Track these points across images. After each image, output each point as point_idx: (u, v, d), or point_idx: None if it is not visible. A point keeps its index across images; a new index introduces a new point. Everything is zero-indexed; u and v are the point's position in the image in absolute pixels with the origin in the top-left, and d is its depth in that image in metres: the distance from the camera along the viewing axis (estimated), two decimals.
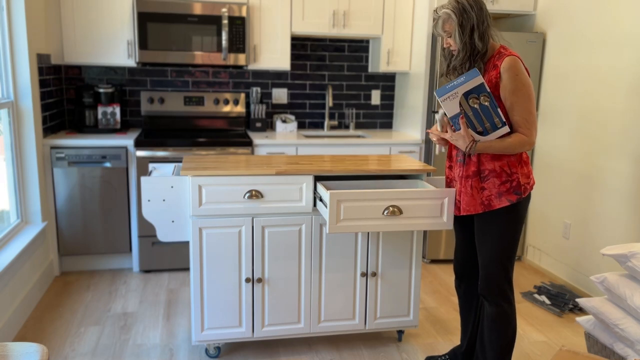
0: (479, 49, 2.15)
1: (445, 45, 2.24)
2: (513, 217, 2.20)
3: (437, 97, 2.14)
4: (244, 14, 3.84)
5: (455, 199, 2.34)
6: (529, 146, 2.14)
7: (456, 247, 2.50)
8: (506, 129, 2.14)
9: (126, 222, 3.74)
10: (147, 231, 3.72)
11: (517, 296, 3.54)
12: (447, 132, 2.25)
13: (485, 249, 2.25)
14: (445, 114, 2.21)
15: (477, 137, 2.17)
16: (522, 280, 3.81)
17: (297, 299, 2.68)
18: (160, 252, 3.77)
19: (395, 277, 2.76)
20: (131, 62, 3.83)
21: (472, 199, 2.23)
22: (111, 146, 3.62)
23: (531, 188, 2.22)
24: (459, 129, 2.17)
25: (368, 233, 2.68)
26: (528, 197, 2.23)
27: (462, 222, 2.43)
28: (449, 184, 2.41)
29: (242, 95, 4.29)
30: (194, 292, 2.57)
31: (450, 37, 2.19)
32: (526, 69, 2.15)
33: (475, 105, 2.13)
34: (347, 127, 4.64)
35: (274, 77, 4.42)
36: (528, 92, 2.11)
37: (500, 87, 2.13)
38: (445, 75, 2.33)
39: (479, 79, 2.09)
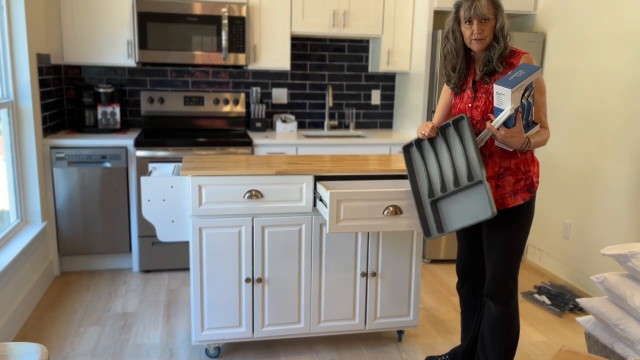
0: (508, 43, 2.12)
1: (477, 31, 2.08)
2: (524, 217, 2.20)
3: (503, 89, 1.95)
4: (244, 13, 3.84)
5: None
6: (549, 139, 2.16)
7: (459, 249, 2.49)
8: (537, 128, 2.11)
9: (126, 222, 3.74)
10: (147, 231, 3.72)
11: (518, 296, 3.54)
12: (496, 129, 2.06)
13: (496, 250, 2.23)
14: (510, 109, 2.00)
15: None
16: (522, 280, 3.81)
17: (297, 299, 2.68)
18: (160, 252, 3.77)
19: (395, 277, 2.76)
20: (131, 62, 3.83)
21: None
22: (111, 146, 3.62)
23: (537, 188, 2.23)
24: (512, 125, 1.99)
25: (368, 233, 2.68)
26: (535, 197, 2.23)
27: None
28: None
29: (242, 95, 4.29)
30: (194, 292, 2.57)
31: (486, 21, 2.07)
32: None
33: (525, 102, 2.02)
34: (347, 127, 4.64)
35: (274, 77, 4.42)
36: (543, 88, 2.13)
37: None
38: (452, 72, 2.21)
39: (538, 73, 1.98)
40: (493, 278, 2.25)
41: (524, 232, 2.21)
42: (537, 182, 2.21)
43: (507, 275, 2.23)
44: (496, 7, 2.09)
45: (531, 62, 2.10)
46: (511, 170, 2.16)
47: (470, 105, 2.19)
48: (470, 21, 2.09)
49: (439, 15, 4.24)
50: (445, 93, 2.35)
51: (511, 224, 2.19)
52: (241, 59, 3.90)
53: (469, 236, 2.41)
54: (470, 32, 2.10)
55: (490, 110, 2.12)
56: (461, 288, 2.52)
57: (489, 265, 2.26)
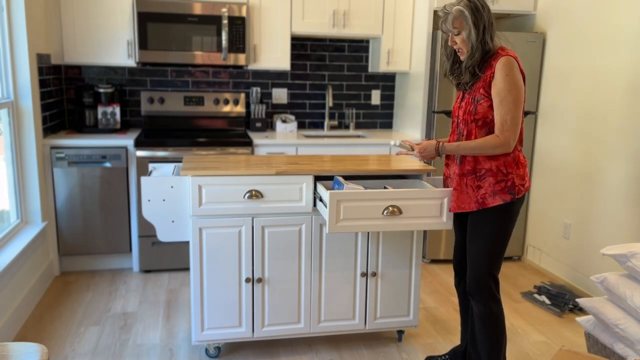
0: (490, 48, 2.16)
1: (450, 43, 2.23)
2: (505, 217, 2.22)
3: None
4: (244, 14, 3.84)
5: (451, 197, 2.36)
6: (502, 149, 2.15)
7: (455, 244, 2.52)
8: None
9: (126, 222, 3.74)
10: (147, 231, 3.72)
11: (517, 296, 3.54)
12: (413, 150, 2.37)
13: (475, 247, 2.27)
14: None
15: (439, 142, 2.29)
16: (522, 280, 3.81)
17: (297, 299, 2.68)
18: (160, 252, 3.77)
19: (395, 277, 2.76)
20: (131, 62, 3.83)
21: (468, 196, 2.26)
22: (111, 146, 3.62)
23: (525, 190, 2.24)
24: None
25: (368, 233, 2.68)
26: (522, 199, 2.25)
27: (460, 220, 2.45)
28: (445, 180, 2.44)
29: (242, 95, 4.29)
30: (194, 292, 2.57)
31: (458, 34, 2.18)
32: (522, 71, 2.16)
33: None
34: (347, 127, 4.64)
35: (274, 77, 4.42)
36: (515, 94, 2.11)
37: (492, 85, 2.15)
38: (447, 76, 2.34)
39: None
40: (472, 276, 2.29)
41: (503, 233, 2.23)
42: (523, 185, 2.22)
43: (485, 274, 2.25)
44: (466, 19, 2.15)
45: (508, 65, 2.12)
46: (492, 172, 2.20)
47: (458, 105, 2.34)
48: (447, 33, 2.23)
49: (438, 16, 4.24)
50: None
51: (491, 223, 2.23)
52: (241, 59, 3.90)
53: (464, 232, 2.45)
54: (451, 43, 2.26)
55: (468, 111, 2.23)
56: (458, 284, 2.54)
57: (469, 263, 2.30)
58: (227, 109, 4.28)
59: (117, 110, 3.96)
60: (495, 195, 2.20)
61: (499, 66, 2.12)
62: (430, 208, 2.35)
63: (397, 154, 2.44)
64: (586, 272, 3.58)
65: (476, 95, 2.20)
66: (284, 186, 2.54)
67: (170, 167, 2.90)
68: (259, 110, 4.28)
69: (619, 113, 3.29)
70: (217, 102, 4.24)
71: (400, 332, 2.92)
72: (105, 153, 3.61)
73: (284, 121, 4.31)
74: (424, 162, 2.36)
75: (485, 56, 2.17)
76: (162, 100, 4.14)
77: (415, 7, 4.13)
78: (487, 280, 2.25)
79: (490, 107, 2.17)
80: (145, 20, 3.71)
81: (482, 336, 2.29)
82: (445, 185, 2.43)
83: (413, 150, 2.35)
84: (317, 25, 4.05)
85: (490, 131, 2.21)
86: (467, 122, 2.24)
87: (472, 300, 2.31)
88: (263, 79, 4.40)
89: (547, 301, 3.40)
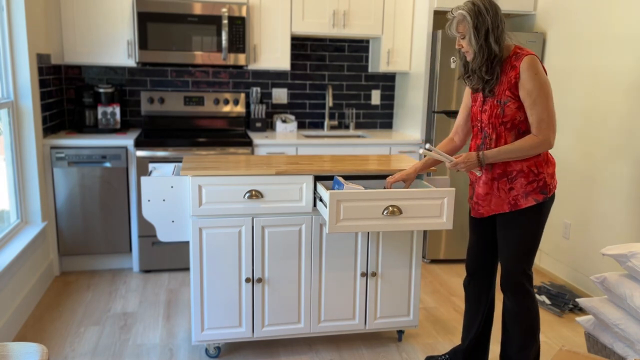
0: (496, 52, 2.16)
1: (457, 47, 2.26)
2: (537, 217, 2.23)
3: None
4: (244, 14, 3.84)
5: (479, 202, 2.34)
6: (543, 147, 2.15)
7: (470, 243, 2.50)
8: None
9: (126, 222, 3.74)
10: (147, 231, 3.72)
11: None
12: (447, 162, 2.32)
13: (507, 247, 2.28)
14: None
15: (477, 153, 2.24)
16: None
17: (297, 299, 2.68)
18: (160, 252, 3.77)
19: (395, 277, 2.76)
20: (131, 62, 3.83)
21: (500, 199, 2.27)
22: (111, 146, 3.62)
23: (554, 188, 2.24)
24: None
25: (368, 233, 2.68)
26: (552, 197, 2.26)
27: (480, 220, 2.44)
28: (470, 186, 2.44)
29: (242, 95, 4.29)
30: (194, 292, 2.57)
31: (463, 38, 2.20)
32: (544, 67, 2.17)
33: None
34: (347, 127, 4.64)
35: (274, 77, 4.42)
36: (546, 91, 2.12)
37: (519, 86, 2.14)
38: (462, 79, 2.33)
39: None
40: (505, 274, 2.31)
41: (536, 231, 2.25)
42: (552, 184, 2.23)
43: (518, 271, 2.28)
44: (468, 24, 2.16)
45: (534, 64, 2.12)
46: (523, 173, 2.20)
47: (480, 109, 2.30)
48: (453, 37, 2.25)
49: (439, 15, 4.25)
50: (466, 94, 2.45)
51: (523, 224, 2.24)
52: (241, 59, 3.90)
53: (482, 232, 2.43)
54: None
55: (496, 115, 2.21)
56: (468, 285, 2.53)
57: (502, 261, 2.32)
58: (227, 109, 4.28)
59: (117, 110, 3.96)
60: (528, 196, 2.20)
61: (525, 67, 2.12)
62: (430, 208, 2.35)
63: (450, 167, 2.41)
64: (586, 272, 3.58)
65: (502, 98, 2.18)
66: (284, 186, 2.54)
67: (170, 167, 2.90)
68: (259, 110, 4.28)
69: (619, 113, 3.29)
70: (217, 102, 4.24)
71: (400, 332, 2.92)
72: (105, 153, 3.61)
73: (284, 121, 4.31)
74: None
75: (493, 60, 2.17)
76: (162, 100, 4.14)
77: (415, 7, 4.12)
78: (520, 278, 2.28)
79: (518, 108, 2.16)
80: (145, 20, 3.71)
81: (515, 328, 2.33)
82: (472, 190, 2.41)
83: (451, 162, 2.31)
84: (317, 25, 4.05)
85: (519, 132, 2.20)
86: (495, 126, 2.22)
87: (505, 296, 2.35)
88: (263, 79, 4.40)
89: (547, 301, 3.40)
